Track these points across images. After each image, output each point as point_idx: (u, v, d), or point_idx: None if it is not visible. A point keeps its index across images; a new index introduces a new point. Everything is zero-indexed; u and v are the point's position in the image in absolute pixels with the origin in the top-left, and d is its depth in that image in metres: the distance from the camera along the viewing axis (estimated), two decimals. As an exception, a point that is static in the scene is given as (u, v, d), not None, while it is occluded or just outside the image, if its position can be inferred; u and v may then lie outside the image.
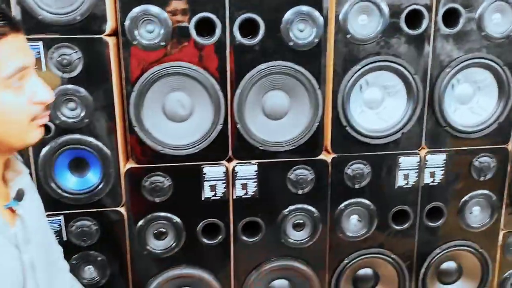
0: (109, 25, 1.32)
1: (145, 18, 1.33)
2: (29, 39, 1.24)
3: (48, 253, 1.05)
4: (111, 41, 1.34)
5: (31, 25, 1.28)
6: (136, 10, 1.32)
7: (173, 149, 1.44)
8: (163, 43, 1.35)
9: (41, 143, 1.35)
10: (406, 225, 1.64)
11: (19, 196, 0.94)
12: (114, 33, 1.36)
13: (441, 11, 1.47)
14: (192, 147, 1.44)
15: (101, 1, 1.29)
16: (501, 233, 1.72)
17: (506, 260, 1.75)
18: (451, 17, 1.49)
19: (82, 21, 1.29)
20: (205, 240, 1.53)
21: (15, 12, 1.27)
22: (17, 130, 0.88)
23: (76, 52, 1.31)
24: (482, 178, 1.64)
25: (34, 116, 0.89)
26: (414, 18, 1.47)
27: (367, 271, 1.69)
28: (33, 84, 0.88)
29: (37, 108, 0.89)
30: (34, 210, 1.01)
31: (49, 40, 1.30)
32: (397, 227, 1.64)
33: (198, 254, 1.55)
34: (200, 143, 1.44)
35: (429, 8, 1.46)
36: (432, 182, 1.62)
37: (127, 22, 1.32)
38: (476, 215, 1.68)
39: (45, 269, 0.99)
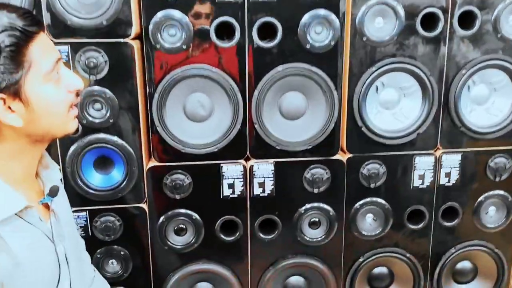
0: (134, 29, 1.38)
1: (168, 23, 1.39)
2: (57, 43, 1.33)
3: (77, 245, 1.11)
4: (135, 44, 1.40)
5: (60, 29, 1.35)
6: (159, 15, 1.38)
7: (193, 148, 1.49)
8: (184, 46, 1.40)
9: (69, 142, 1.43)
10: (421, 225, 1.66)
11: (54, 192, 0.99)
12: (138, 37, 1.43)
13: (457, 13, 1.49)
14: (212, 146, 1.49)
15: (126, 7, 1.35)
16: (517, 234, 1.73)
17: (522, 261, 1.76)
18: (467, 19, 1.51)
19: (108, 25, 1.35)
20: (223, 237, 1.58)
21: (46, 17, 1.34)
22: (60, 120, 0.92)
23: (102, 55, 1.38)
24: (497, 179, 1.65)
25: (71, 104, 0.94)
26: (430, 20, 1.49)
27: (382, 269, 1.72)
28: (65, 74, 0.93)
29: (72, 96, 0.94)
30: (64, 204, 1.07)
31: (77, 44, 1.37)
32: (412, 227, 1.66)
33: (216, 250, 1.60)
34: (219, 143, 1.49)
35: (445, 10, 1.48)
36: (447, 182, 1.63)
37: (150, 27, 1.38)
38: (492, 216, 1.70)
39: (76, 260, 1.04)
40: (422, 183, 1.62)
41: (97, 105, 1.42)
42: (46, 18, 1.34)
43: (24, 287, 0.90)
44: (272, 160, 1.54)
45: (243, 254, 1.61)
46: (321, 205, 1.60)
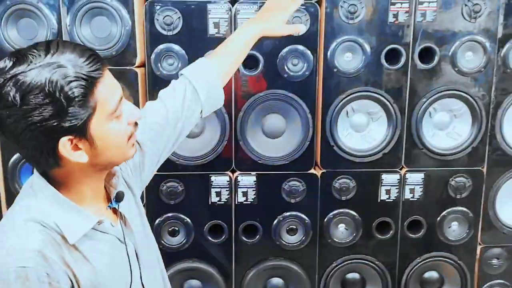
0: (138, 59, 1.65)
1: (167, 54, 1.65)
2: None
3: (146, 238, 1.14)
4: (139, 71, 1.67)
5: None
6: (161, 47, 1.65)
7: (187, 160, 1.73)
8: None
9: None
10: (388, 235, 1.85)
11: (119, 197, 1.04)
12: (142, 65, 1.70)
13: (418, 49, 1.72)
14: (202, 159, 1.73)
15: (132, 40, 1.63)
16: (479, 248, 1.90)
17: (484, 273, 1.92)
18: (427, 54, 1.73)
19: (117, 55, 1.63)
20: (211, 239, 1.81)
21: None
22: (120, 151, 0.97)
23: (111, 79, 1.65)
24: (458, 196, 1.83)
25: (130, 134, 0.99)
26: (394, 55, 1.72)
27: (355, 275, 1.90)
28: (127, 108, 0.97)
29: (131, 127, 0.99)
30: (133, 205, 1.13)
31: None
32: (380, 237, 1.85)
33: (205, 251, 1.82)
34: (209, 156, 1.73)
35: (407, 46, 1.71)
36: (412, 197, 1.83)
37: (152, 56, 1.65)
38: (455, 230, 1.87)
39: (146, 251, 1.10)
40: (389, 198, 1.82)
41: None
42: (67, 49, 1.62)
43: None
44: (254, 173, 1.77)
45: (228, 255, 1.83)
46: (298, 214, 1.81)
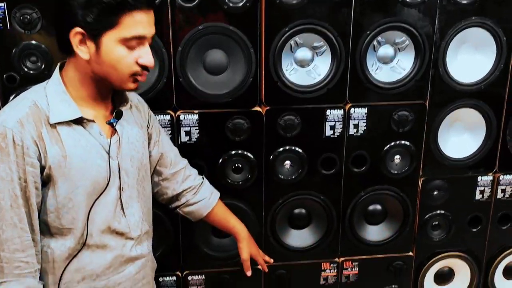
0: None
1: None
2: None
3: (142, 170, 1.34)
4: None
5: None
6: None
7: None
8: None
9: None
10: (333, 171, 1.87)
11: (117, 115, 1.26)
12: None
13: (362, -20, 1.66)
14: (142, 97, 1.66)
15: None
16: (420, 180, 1.95)
17: (425, 204, 1.99)
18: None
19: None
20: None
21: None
22: (118, 77, 1.16)
23: (36, 12, 1.52)
24: (401, 130, 1.85)
25: (134, 73, 1.17)
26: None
27: (301, 211, 1.93)
28: (143, 50, 1.16)
29: (138, 68, 1.17)
30: (136, 130, 1.33)
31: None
32: (325, 172, 1.87)
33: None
34: (148, 94, 1.65)
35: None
36: (356, 132, 1.84)
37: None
38: (397, 163, 1.91)
39: (134, 178, 1.30)
40: (333, 133, 1.82)
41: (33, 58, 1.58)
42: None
43: (71, 177, 1.17)
44: (197, 111, 1.72)
45: (173, 195, 1.81)
46: (243, 152, 1.79)
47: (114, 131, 1.26)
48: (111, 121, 1.26)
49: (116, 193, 1.26)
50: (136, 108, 1.39)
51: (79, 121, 1.19)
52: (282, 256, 1.94)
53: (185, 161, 1.56)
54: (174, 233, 1.84)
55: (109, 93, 1.27)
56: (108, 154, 1.23)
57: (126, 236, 1.29)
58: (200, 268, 1.90)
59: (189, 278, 1.89)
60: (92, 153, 1.20)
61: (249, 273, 1.62)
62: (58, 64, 1.24)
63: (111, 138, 1.25)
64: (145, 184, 1.37)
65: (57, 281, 1.23)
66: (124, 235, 1.28)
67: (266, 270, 1.77)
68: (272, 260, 1.73)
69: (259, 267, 1.88)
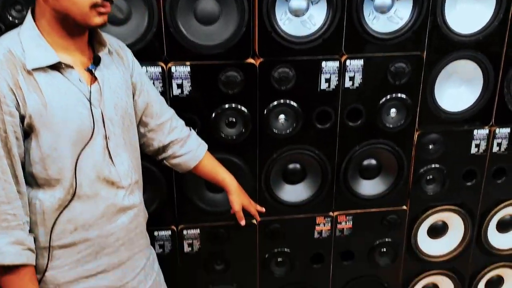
0: None
1: None
2: None
3: (127, 118, 1.31)
4: None
5: None
6: None
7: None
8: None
9: None
10: (328, 125, 1.85)
11: (95, 60, 1.22)
12: None
13: None
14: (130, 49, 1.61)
15: None
16: (416, 134, 1.94)
17: (420, 158, 1.98)
18: None
19: None
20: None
21: None
22: (78, 11, 1.12)
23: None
24: (397, 83, 1.82)
25: (93, 3, 1.12)
26: None
27: (296, 165, 1.92)
28: None
29: None
30: (117, 77, 1.29)
31: None
32: (320, 126, 1.85)
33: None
34: (137, 45, 1.60)
35: None
36: (351, 85, 1.80)
37: None
38: (393, 117, 1.88)
39: (120, 127, 1.28)
40: (329, 86, 1.79)
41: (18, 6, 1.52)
42: None
43: (53, 126, 1.14)
44: (188, 62, 1.68)
45: (166, 150, 1.79)
46: (236, 106, 1.76)
47: (94, 78, 1.23)
48: (90, 67, 1.22)
49: (102, 142, 1.23)
50: (118, 54, 1.35)
51: (57, 67, 1.16)
52: (276, 210, 1.94)
53: (171, 112, 1.53)
54: (168, 188, 1.83)
55: (82, 35, 1.21)
56: (90, 102, 1.20)
57: (117, 185, 1.28)
58: (195, 222, 1.90)
59: (184, 232, 1.90)
60: (72, 100, 1.17)
61: (243, 222, 1.60)
62: (30, 8, 1.19)
63: (91, 86, 1.22)
64: (131, 133, 1.34)
65: (48, 233, 1.22)
66: (114, 184, 1.27)
67: (259, 219, 1.76)
68: (264, 209, 1.71)
69: (254, 221, 1.89)
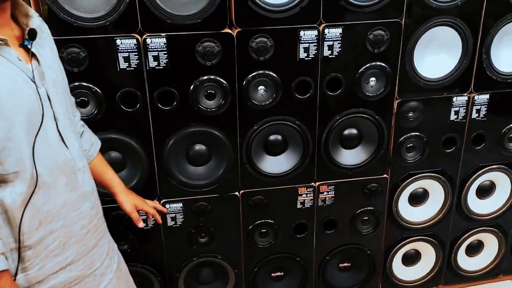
0: None
1: None
2: None
3: (64, 94, 1.23)
4: None
5: None
6: None
7: (85, 22, 1.56)
8: None
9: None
10: (308, 95, 1.84)
11: (31, 35, 1.12)
12: None
13: None
14: (103, 20, 1.57)
15: None
16: (395, 102, 1.94)
17: (400, 126, 1.99)
18: None
19: None
20: (124, 108, 1.72)
21: None
22: None
23: None
24: (376, 51, 1.81)
25: None
26: None
27: (277, 136, 1.91)
28: None
29: None
30: (48, 51, 1.20)
31: None
32: (300, 97, 1.84)
33: (120, 121, 1.74)
34: (109, 17, 1.56)
35: None
36: (330, 54, 1.79)
37: None
38: (373, 85, 1.88)
39: (63, 106, 1.19)
40: (308, 56, 1.77)
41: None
42: None
43: (4, 113, 1.03)
44: (164, 34, 1.64)
45: (145, 124, 1.76)
46: (215, 77, 1.74)
47: (30, 55, 1.12)
48: (25, 43, 1.11)
49: (52, 124, 1.15)
50: (40, 29, 1.21)
51: None
52: (259, 182, 1.94)
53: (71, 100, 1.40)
54: (149, 162, 1.82)
55: (3, 8, 1.08)
56: (34, 82, 1.10)
57: (73, 169, 1.22)
58: (178, 196, 1.90)
59: (167, 206, 1.90)
60: (18, 82, 1.07)
61: (140, 224, 1.54)
62: None
63: (31, 63, 1.12)
64: (70, 111, 1.26)
65: (16, 233, 1.12)
66: (72, 168, 1.21)
67: (160, 221, 1.70)
68: (165, 210, 1.63)
69: (237, 193, 1.89)
